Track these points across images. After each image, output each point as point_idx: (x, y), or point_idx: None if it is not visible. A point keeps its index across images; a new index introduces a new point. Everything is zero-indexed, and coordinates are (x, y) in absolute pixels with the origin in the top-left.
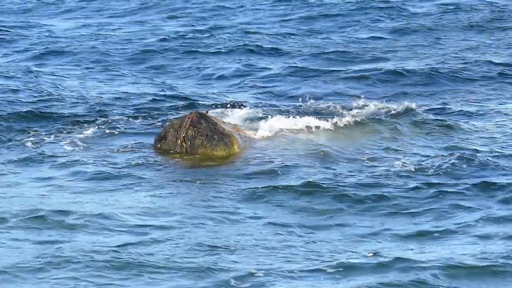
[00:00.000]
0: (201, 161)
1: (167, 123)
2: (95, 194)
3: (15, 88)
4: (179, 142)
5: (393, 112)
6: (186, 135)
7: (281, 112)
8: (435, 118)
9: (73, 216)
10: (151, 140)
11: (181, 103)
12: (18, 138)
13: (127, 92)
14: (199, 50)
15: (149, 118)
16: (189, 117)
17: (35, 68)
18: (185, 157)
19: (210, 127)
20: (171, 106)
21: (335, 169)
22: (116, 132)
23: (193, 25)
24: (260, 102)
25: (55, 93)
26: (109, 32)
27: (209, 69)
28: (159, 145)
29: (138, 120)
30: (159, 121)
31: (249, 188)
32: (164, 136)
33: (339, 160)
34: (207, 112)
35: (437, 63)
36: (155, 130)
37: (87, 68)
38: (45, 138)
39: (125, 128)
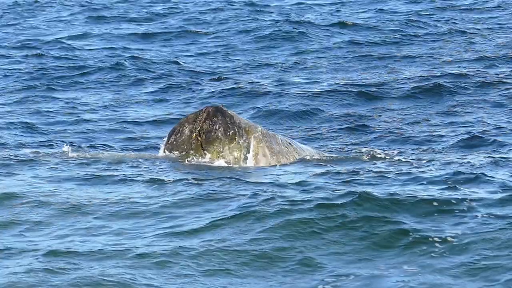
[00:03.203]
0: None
1: (182, 118)
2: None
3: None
4: (194, 135)
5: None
6: (201, 128)
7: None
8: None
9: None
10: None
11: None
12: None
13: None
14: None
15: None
16: (204, 111)
17: None
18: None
19: (226, 120)
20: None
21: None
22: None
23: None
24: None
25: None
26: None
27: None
28: (173, 139)
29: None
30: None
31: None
32: (179, 130)
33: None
34: (222, 105)
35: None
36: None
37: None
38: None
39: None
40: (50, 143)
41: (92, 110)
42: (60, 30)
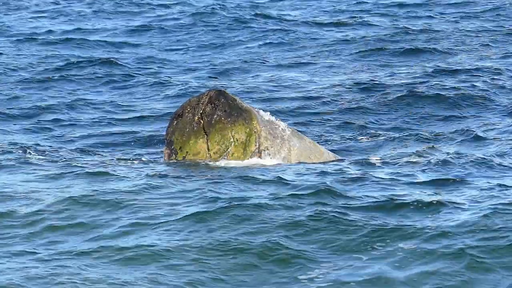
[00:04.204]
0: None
1: (185, 101)
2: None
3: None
4: (196, 118)
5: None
6: (203, 111)
7: None
8: None
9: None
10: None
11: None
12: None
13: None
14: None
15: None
16: (207, 94)
17: None
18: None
19: (229, 103)
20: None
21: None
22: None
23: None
24: None
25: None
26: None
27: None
28: (175, 123)
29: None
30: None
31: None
32: (181, 114)
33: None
34: (225, 89)
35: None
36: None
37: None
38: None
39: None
40: (38, 141)
41: (80, 107)
42: (50, 24)
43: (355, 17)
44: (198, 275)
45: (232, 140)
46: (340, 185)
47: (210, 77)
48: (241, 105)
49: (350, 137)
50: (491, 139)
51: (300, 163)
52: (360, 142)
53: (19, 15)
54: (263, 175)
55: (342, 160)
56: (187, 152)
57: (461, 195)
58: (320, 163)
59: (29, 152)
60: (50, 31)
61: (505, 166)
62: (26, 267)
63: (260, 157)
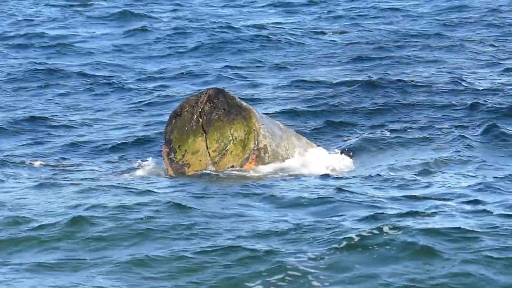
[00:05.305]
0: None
1: (183, 100)
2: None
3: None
4: (195, 117)
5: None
6: (202, 110)
7: None
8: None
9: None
10: None
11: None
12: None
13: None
14: None
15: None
16: (206, 93)
17: None
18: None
19: (228, 101)
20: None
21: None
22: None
23: None
24: None
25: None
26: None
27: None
28: (174, 121)
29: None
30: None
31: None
32: (179, 113)
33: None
34: (224, 88)
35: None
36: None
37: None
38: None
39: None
40: (20, 150)
41: (65, 114)
42: (38, 29)
43: (350, 22)
44: (174, 280)
45: (231, 138)
46: (327, 191)
47: (202, 83)
48: (240, 104)
49: (345, 138)
50: (488, 143)
51: (293, 164)
52: (355, 142)
53: (5, 20)
54: (252, 184)
55: (335, 160)
56: (185, 150)
57: (443, 200)
58: (314, 164)
59: (12, 162)
60: (38, 37)
61: (492, 170)
62: (15, 278)
63: (258, 155)
